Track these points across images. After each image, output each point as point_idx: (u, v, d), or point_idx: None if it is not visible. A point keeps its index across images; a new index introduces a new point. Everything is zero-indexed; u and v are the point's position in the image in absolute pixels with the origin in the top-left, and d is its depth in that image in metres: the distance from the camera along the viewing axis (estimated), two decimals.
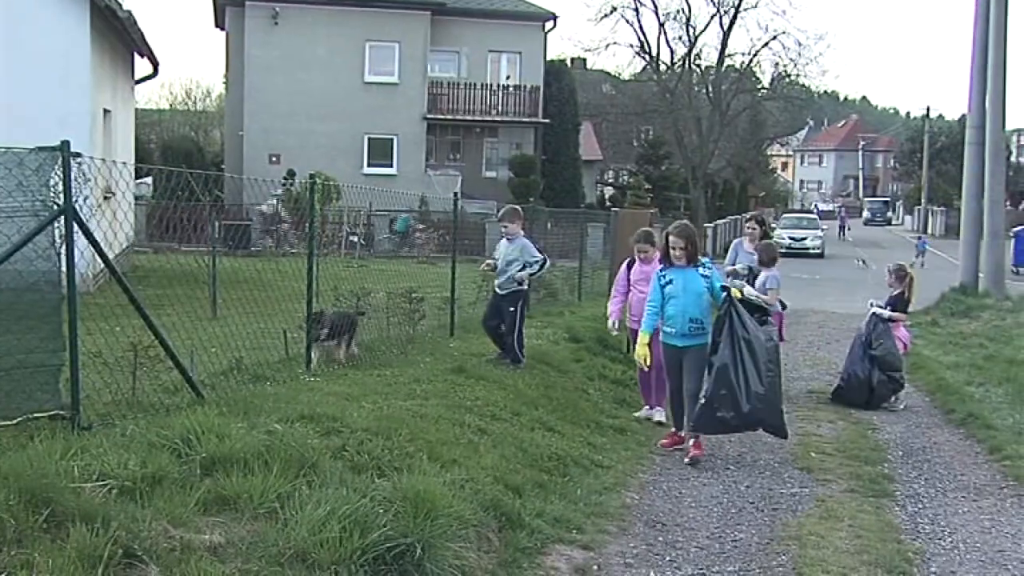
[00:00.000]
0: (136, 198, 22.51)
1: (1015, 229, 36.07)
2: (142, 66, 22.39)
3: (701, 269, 8.46)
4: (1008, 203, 50.38)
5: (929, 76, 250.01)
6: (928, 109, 76.74)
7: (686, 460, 8.43)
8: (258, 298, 9.83)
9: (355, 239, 25.31)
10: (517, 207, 11.74)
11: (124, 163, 9.78)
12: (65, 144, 5.92)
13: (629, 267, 10.31)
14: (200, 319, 7.67)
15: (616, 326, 10.46)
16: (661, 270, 8.58)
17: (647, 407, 10.21)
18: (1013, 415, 10.10)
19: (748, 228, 12.44)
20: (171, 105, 67.30)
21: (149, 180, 33.16)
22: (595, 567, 5.80)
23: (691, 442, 8.58)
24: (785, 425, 8.64)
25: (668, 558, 6.09)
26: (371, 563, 4.63)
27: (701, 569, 5.96)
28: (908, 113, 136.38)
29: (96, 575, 3.90)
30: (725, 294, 8.46)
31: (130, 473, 4.86)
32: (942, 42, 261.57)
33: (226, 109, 44.04)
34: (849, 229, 62.50)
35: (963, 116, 25.20)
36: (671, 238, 8.52)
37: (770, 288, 10.97)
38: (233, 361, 8.62)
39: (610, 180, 61.08)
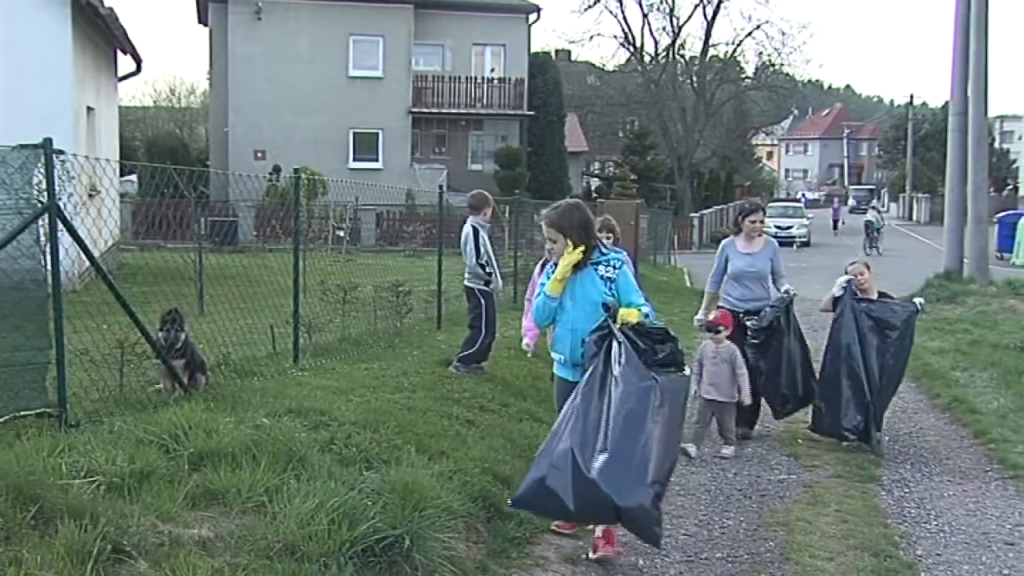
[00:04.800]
0: (121, 195, 22.48)
1: (999, 215, 36.22)
2: (125, 63, 22.31)
3: (601, 268, 5.71)
4: (992, 189, 50.58)
5: (912, 64, 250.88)
6: (911, 97, 77.30)
7: (591, 556, 5.84)
8: (245, 294, 9.83)
9: (341, 234, 25.28)
10: None
11: (108, 160, 9.76)
12: (48, 141, 5.92)
13: (543, 269, 7.24)
14: (187, 316, 7.65)
15: (532, 348, 8.38)
16: (550, 267, 5.95)
17: None
18: (998, 399, 10.16)
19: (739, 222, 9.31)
20: (155, 102, 67.28)
21: (134, 177, 33.17)
22: (584, 556, 5.83)
23: (597, 532, 5.92)
24: (656, 529, 5.21)
25: None
26: (360, 555, 4.65)
27: (689, 556, 6.00)
28: (892, 101, 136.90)
29: (85, 571, 3.91)
30: (605, 314, 5.52)
31: (118, 469, 4.86)
32: (925, 29, 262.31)
33: (211, 105, 43.93)
34: (843, 223, 56.10)
35: (946, 103, 25.33)
36: (544, 227, 5.90)
37: None
38: (220, 357, 8.61)
39: (596, 171, 61.13)
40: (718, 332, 8.47)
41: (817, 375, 8.85)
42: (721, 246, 9.32)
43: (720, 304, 9.10)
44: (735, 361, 8.40)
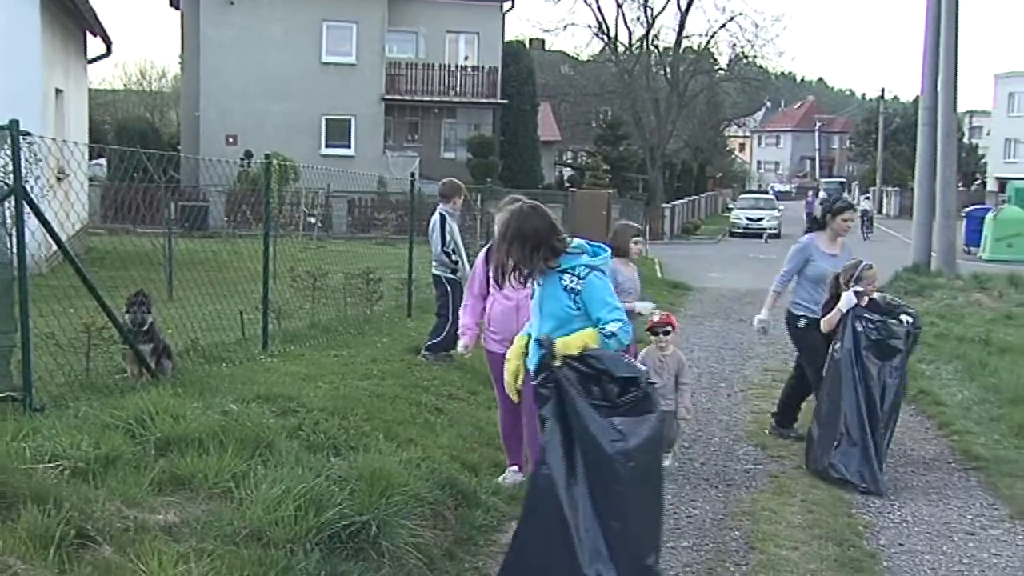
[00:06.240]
0: (90, 179, 22.28)
1: (967, 209, 36.55)
2: (95, 45, 22.11)
3: (567, 277, 4.91)
4: (960, 184, 51.02)
5: (884, 58, 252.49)
6: (883, 91, 77.46)
7: None
8: (214, 279, 9.80)
9: (313, 220, 25.18)
10: None
11: (77, 143, 9.67)
12: (14, 123, 5.87)
13: (488, 259, 6.55)
14: (155, 301, 7.62)
15: (468, 348, 6.93)
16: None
17: (513, 467, 6.81)
18: (962, 391, 10.26)
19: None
20: (125, 86, 66.59)
21: (103, 161, 32.87)
22: None
23: None
24: None
25: None
26: (326, 541, 4.65)
27: None
28: (864, 95, 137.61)
29: (48, 556, 3.89)
30: (542, 352, 4.75)
31: (83, 454, 4.84)
32: (897, 24, 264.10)
33: (182, 89, 43.59)
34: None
35: (917, 98, 25.58)
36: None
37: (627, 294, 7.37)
38: (189, 342, 8.58)
39: (569, 161, 61.18)
40: (667, 334, 7.51)
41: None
42: (802, 245, 8.29)
43: (794, 309, 8.26)
44: (681, 370, 7.58)
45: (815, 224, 8.51)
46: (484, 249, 6.88)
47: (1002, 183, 53.54)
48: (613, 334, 4.78)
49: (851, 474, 7.25)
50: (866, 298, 7.67)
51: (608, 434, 4.50)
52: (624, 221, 8.45)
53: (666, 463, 7.17)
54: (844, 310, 7.56)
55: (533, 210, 5.05)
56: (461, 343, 6.95)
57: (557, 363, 4.66)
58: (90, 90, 26.32)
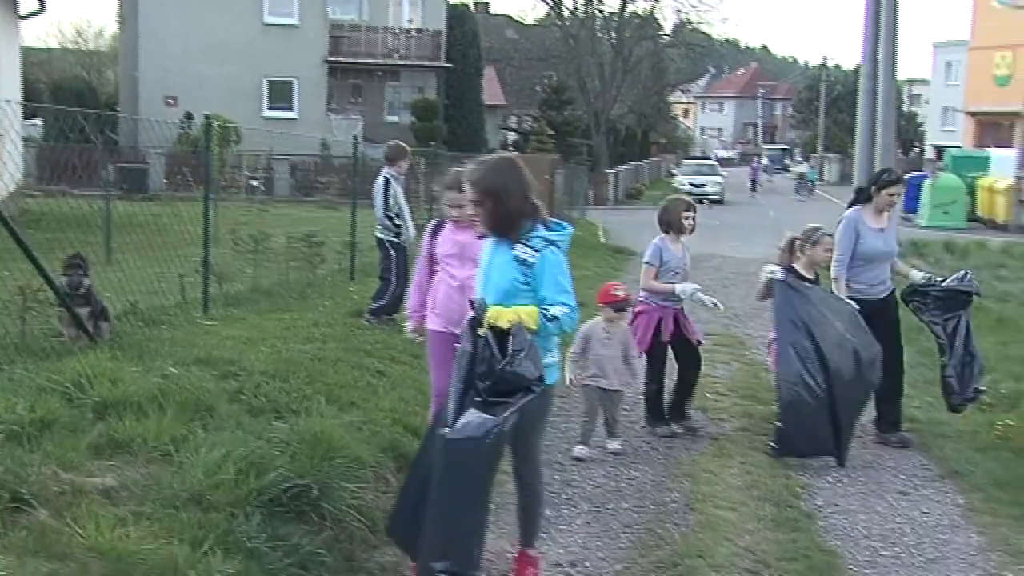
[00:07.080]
0: (24, 139, 21.79)
1: (905, 176, 37.02)
2: (27, 1, 21.54)
3: (519, 248, 4.48)
4: (899, 151, 51.70)
5: (827, 26, 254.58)
6: (825, 59, 78.28)
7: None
8: (154, 243, 9.66)
9: (255, 183, 24.94)
10: None
11: (9, 101, 9.46)
12: None
13: (435, 234, 6.05)
14: (93, 264, 7.49)
15: (417, 332, 6.35)
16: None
17: None
18: None
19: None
20: (61, 44, 65.16)
21: (38, 121, 32.18)
22: (492, 506, 5.86)
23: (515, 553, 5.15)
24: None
25: (564, 496, 6.21)
26: (267, 504, 4.64)
27: (596, 506, 6.09)
28: (806, 62, 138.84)
29: None
30: (472, 315, 4.42)
31: (17, 417, 4.78)
32: None
33: (120, 49, 42.78)
34: (761, 186, 54.32)
35: (858, 66, 25.86)
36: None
37: (648, 264, 7.65)
38: (128, 305, 8.46)
39: (513, 125, 61.04)
40: (625, 310, 7.23)
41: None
42: (847, 221, 7.56)
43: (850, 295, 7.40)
44: (628, 344, 7.21)
45: (860, 195, 7.82)
46: (431, 226, 6.23)
47: (939, 151, 54.25)
48: (556, 318, 4.40)
49: (815, 451, 7.07)
50: (814, 270, 7.48)
51: (451, 416, 4.26)
52: (674, 195, 8.22)
53: (613, 445, 7.23)
54: (763, 280, 7.45)
55: (508, 164, 4.65)
56: (409, 327, 6.45)
57: (481, 332, 4.32)
58: (23, 48, 25.68)
